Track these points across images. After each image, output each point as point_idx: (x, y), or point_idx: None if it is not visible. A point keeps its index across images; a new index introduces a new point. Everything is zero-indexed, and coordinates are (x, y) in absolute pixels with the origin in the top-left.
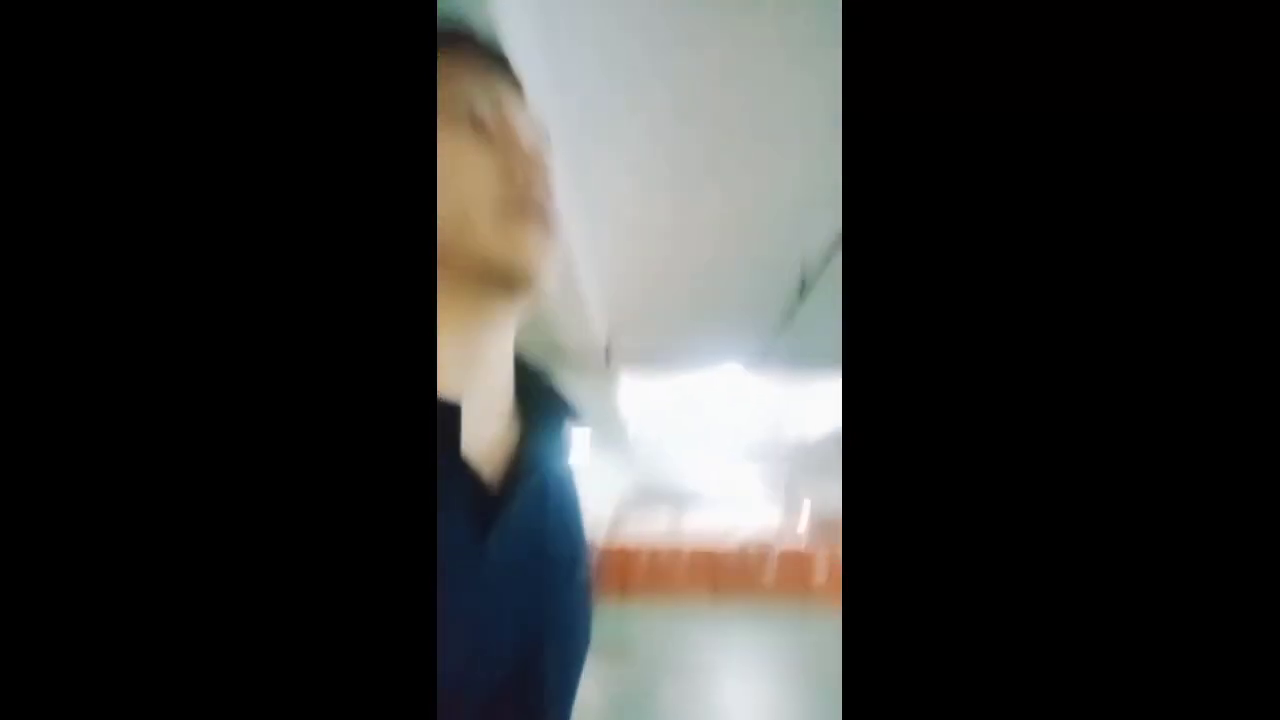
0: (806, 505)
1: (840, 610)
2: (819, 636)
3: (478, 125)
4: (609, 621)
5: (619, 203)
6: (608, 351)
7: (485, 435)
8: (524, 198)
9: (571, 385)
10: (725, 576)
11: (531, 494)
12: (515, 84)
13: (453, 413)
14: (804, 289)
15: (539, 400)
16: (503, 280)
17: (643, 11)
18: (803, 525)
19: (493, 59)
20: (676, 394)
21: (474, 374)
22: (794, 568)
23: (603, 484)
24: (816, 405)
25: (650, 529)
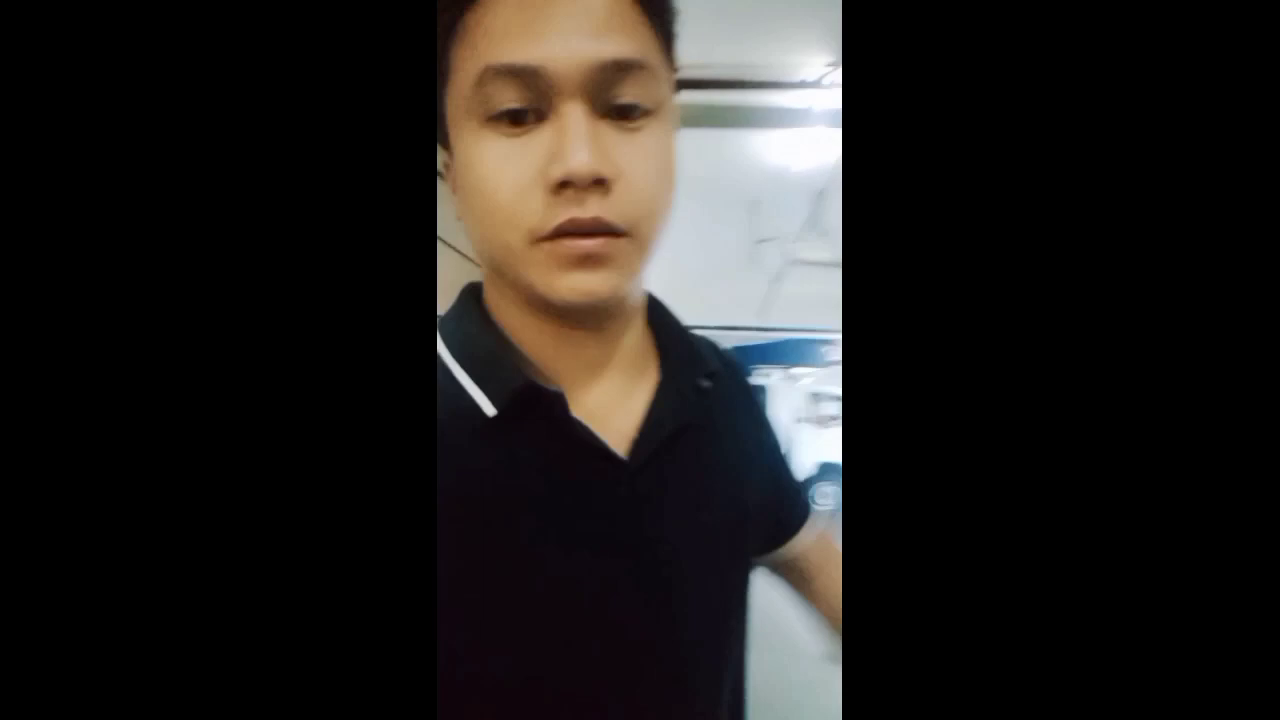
0: None
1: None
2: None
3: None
4: None
5: None
6: None
7: (610, 406)
8: (564, 224)
9: None
10: None
11: (668, 454)
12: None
13: (559, 400)
14: None
15: (674, 357)
16: (567, 306)
17: None
18: None
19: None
20: None
21: (586, 353)
22: None
23: None
24: None
25: None
